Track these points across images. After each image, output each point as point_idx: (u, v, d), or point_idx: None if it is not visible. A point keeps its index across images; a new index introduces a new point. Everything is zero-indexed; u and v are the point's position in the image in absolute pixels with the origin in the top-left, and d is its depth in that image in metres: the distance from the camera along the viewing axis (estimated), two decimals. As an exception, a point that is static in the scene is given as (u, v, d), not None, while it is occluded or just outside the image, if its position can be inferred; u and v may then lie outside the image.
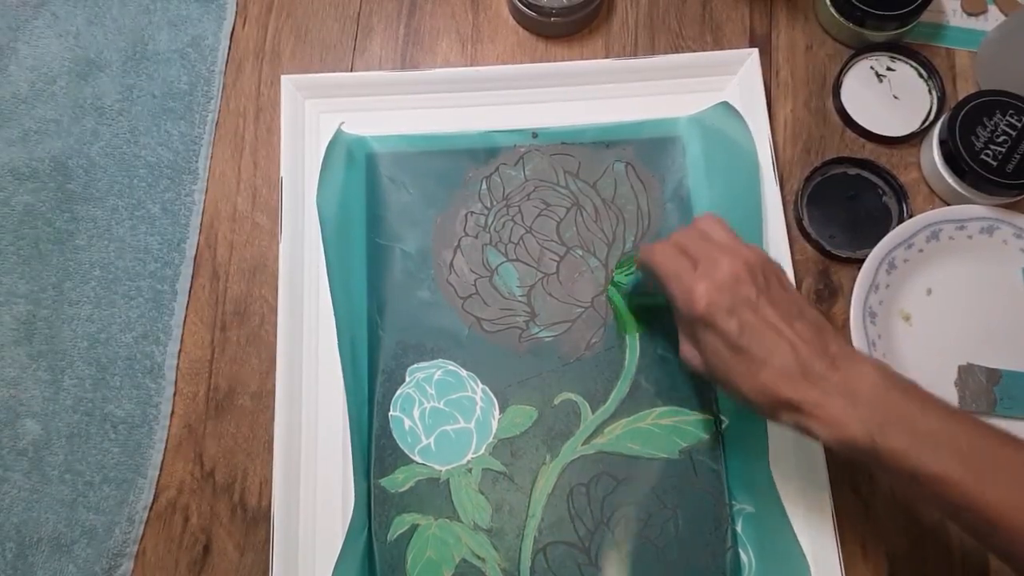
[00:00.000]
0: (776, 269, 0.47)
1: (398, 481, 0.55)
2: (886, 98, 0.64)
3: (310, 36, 0.67)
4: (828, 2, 0.64)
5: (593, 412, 0.56)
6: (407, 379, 0.57)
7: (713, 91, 0.63)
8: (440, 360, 0.57)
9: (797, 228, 0.61)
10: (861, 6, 0.62)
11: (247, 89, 0.65)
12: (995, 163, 0.57)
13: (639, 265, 0.51)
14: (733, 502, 0.54)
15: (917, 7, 0.62)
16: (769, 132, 0.61)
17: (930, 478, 0.39)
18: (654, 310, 0.58)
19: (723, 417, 0.56)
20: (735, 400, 0.45)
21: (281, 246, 0.59)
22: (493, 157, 0.62)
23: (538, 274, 0.59)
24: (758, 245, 0.52)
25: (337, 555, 0.52)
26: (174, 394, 0.58)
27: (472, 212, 0.61)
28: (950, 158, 0.59)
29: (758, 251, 0.47)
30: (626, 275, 0.59)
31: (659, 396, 0.56)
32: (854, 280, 0.58)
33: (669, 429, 0.56)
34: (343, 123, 0.62)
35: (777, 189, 0.60)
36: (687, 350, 0.48)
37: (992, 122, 0.58)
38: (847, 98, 0.63)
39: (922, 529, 0.55)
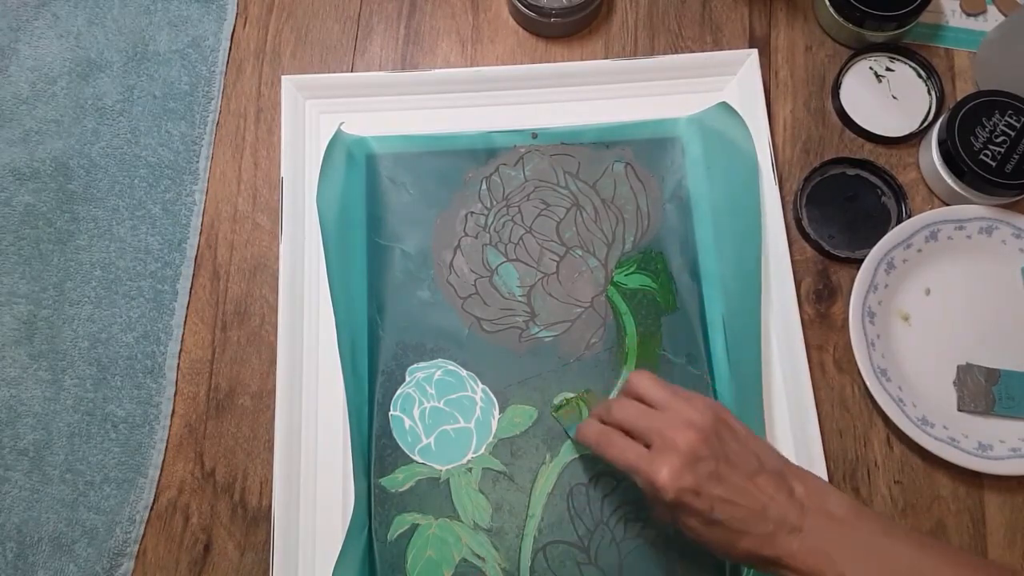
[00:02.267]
0: (722, 415, 0.46)
1: (398, 481, 0.55)
2: (885, 98, 0.64)
3: (310, 37, 0.67)
4: (827, 3, 0.64)
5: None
6: (407, 379, 0.57)
7: (712, 91, 0.63)
8: (440, 360, 0.58)
9: (796, 228, 0.61)
10: (860, 7, 0.62)
11: (247, 90, 0.65)
12: (994, 163, 0.57)
13: (583, 443, 0.50)
14: (732, 502, 0.54)
15: (916, 7, 0.62)
16: (768, 132, 0.61)
17: None
18: (648, 307, 0.58)
19: (722, 417, 0.56)
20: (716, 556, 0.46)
21: (281, 246, 0.59)
22: (493, 157, 0.62)
23: (538, 274, 0.60)
24: (705, 382, 0.54)
25: (337, 555, 0.52)
26: (175, 394, 0.58)
27: (472, 212, 0.61)
28: (949, 158, 0.59)
29: (700, 405, 0.46)
30: (626, 274, 0.59)
31: (659, 396, 0.56)
32: (853, 280, 0.58)
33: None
34: (343, 123, 0.62)
35: (776, 189, 0.60)
36: (661, 517, 0.47)
37: (991, 122, 0.58)
38: (846, 98, 0.64)
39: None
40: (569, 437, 0.55)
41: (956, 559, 0.43)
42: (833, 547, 0.42)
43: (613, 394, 0.57)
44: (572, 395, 0.56)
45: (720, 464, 0.44)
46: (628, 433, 0.47)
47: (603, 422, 0.49)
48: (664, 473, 0.43)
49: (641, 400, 0.48)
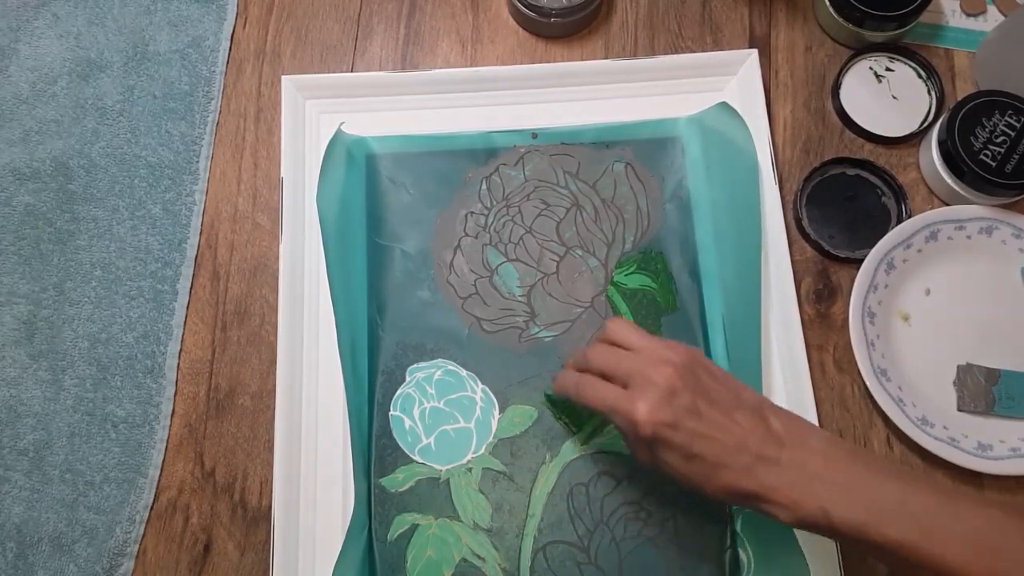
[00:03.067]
0: (698, 356, 0.46)
1: (398, 481, 0.55)
2: (885, 98, 0.64)
3: (310, 37, 0.67)
4: (827, 3, 0.64)
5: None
6: (407, 379, 0.57)
7: (712, 91, 0.63)
8: (440, 360, 0.58)
9: (796, 228, 0.61)
10: (860, 7, 0.62)
11: (248, 90, 0.65)
12: (994, 163, 0.57)
13: (560, 394, 0.51)
14: (732, 502, 0.55)
15: (916, 8, 0.62)
16: (768, 132, 0.61)
17: (890, 545, 0.40)
18: (648, 307, 0.58)
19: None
20: (695, 494, 0.46)
21: (281, 246, 0.59)
22: (493, 157, 0.62)
23: (538, 274, 0.60)
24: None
25: (337, 555, 0.52)
26: (175, 394, 0.58)
27: (472, 212, 0.61)
28: (949, 158, 0.59)
29: (675, 346, 0.46)
30: (626, 274, 0.59)
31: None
32: (853, 280, 0.58)
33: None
34: (343, 123, 0.62)
35: (776, 189, 0.60)
36: (641, 457, 0.47)
37: (991, 122, 0.58)
38: (846, 98, 0.64)
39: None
40: (547, 398, 0.56)
41: (944, 493, 0.42)
42: (813, 480, 0.42)
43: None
44: None
45: (698, 399, 0.44)
46: (605, 378, 0.47)
47: (580, 371, 0.49)
48: (642, 408, 0.44)
49: (617, 345, 0.48)
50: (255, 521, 0.55)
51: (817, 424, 0.55)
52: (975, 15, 0.66)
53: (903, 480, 0.42)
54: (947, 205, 0.61)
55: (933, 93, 0.64)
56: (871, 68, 0.65)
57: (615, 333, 0.49)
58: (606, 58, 0.65)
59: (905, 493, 0.41)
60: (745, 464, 0.43)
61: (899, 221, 0.60)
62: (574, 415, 0.56)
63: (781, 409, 0.46)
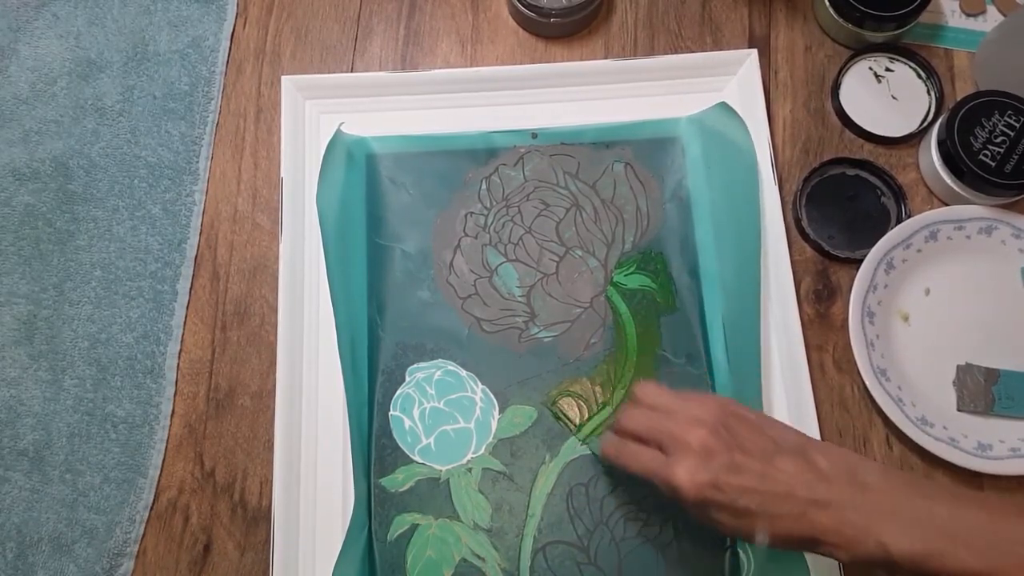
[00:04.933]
0: (729, 408, 0.46)
1: (398, 481, 0.55)
2: (885, 99, 0.64)
3: (310, 37, 0.67)
4: (827, 3, 0.64)
5: (592, 412, 0.56)
6: (407, 379, 0.57)
7: (712, 92, 0.63)
8: (440, 360, 0.58)
9: (796, 228, 0.61)
10: (860, 7, 0.62)
11: (247, 90, 0.65)
12: (993, 163, 0.57)
13: (605, 460, 0.51)
14: (732, 502, 0.55)
15: (916, 8, 0.62)
16: (768, 133, 0.61)
17: (953, 575, 0.40)
18: (648, 307, 0.58)
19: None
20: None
21: (281, 246, 0.59)
22: (493, 157, 0.62)
23: (538, 274, 0.60)
24: (707, 389, 0.54)
25: (337, 555, 0.52)
26: (174, 394, 0.58)
27: (472, 212, 0.61)
28: (948, 158, 0.59)
29: (708, 402, 0.46)
30: (626, 275, 0.59)
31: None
32: (853, 280, 0.58)
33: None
34: (343, 124, 0.62)
35: (776, 189, 0.60)
36: (696, 519, 0.46)
37: (990, 123, 0.58)
38: (846, 99, 0.64)
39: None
40: (597, 458, 0.55)
41: (993, 507, 0.42)
42: (867, 516, 0.41)
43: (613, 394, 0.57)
44: (568, 392, 0.56)
45: (735, 454, 0.43)
46: (641, 441, 0.47)
47: (616, 433, 0.49)
48: (680, 474, 0.43)
49: (648, 408, 0.48)
50: (255, 521, 0.55)
51: (817, 429, 0.55)
52: (975, 15, 0.66)
53: (961, 504, 0.42)
54: (947, 205, 0.61)
55: (933, 93, 0.64)
56: (871, 68, 0.65)
57: (644, 395, 0.49)
58: (606, 58, 0.65)
59: (964, 519, 0.41)
60: (797, 511, 0.42)
61: (899, 221, 0.60)
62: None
63: (825, 445, 0.45)
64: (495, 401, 0.57)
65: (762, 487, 0.43)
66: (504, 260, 0.60)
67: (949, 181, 0.59)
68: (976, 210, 0.59)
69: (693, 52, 0.65)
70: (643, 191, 0.62)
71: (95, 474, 0.56)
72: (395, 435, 0.56)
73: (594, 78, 0.64)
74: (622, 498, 0.54)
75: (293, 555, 0.53)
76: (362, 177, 0.62)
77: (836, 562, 0.52)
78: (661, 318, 0.58)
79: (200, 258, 0.61)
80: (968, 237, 0.59)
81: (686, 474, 0.43)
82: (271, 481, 0.54)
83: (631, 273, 0.59)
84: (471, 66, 0.65)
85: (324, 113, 0.63)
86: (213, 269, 0.61)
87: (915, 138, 0.63)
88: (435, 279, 0.59)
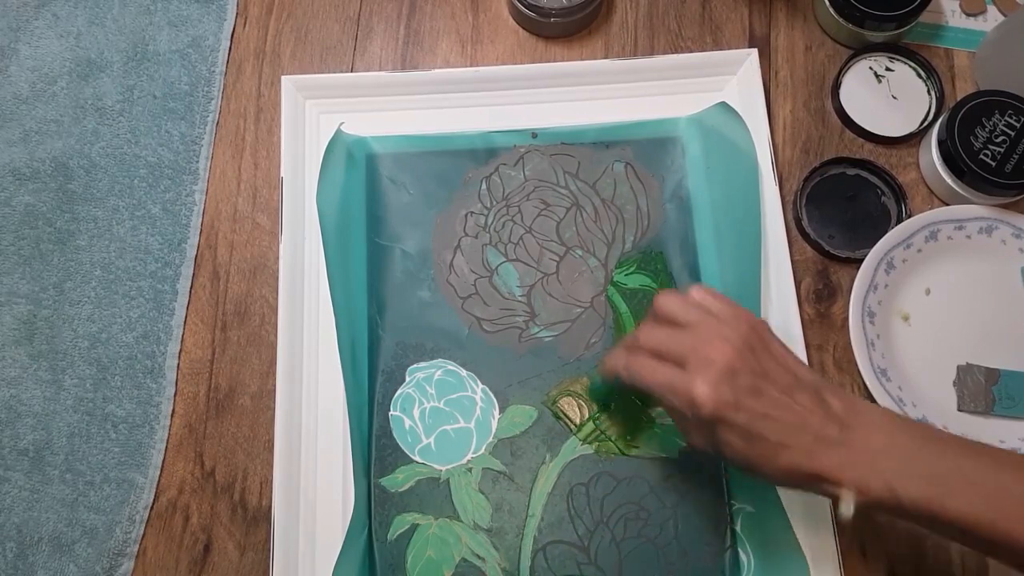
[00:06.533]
0: (759, 329, 0.45)
1: (398, 481, 0.55)
2: (885, 98, 0.64)
3: (310, 37, 0.67)
4: (827, 3, 0.64)
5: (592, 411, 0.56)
6: (407, 379, 0.57)
7: (712, 91, 0.63)
8: (440, 360, 0.58)
9: (796, 228, 0.61)
10: (860, 7, 0.62)
11: (247, 90, 0.65)
12: (994, 163, 0.57)
13: (608, 376, 0.48)
14: (732, 501, 0.55)
15: (916, 8, 0.62)
16: (768, 132, 0.61)
17: (959, 521, 0.40)
18: (648, 305, 0.58)
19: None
20: (755, 479, 0.45)
21: (281, 246, 0.59)
22: (493, 157, 0.62)
23: (538, 274, 0.60)
24: (741, 302, 0.48)
25: (337, 555, 0.52)
26: (175, 394, 0.58)
27: (472, 212, 0.61)
28: (949, 158, 0.59)
29: (737, 317, 0.45)
30: (626, 274, 0.59)
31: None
32: (853, 280, 0.58)
33: (669, 429, 0.56)
34: (343, 123, 0.62)
35: (776, 189, 0.60)
36: (696, 441, 0.46)
37: (991, 122, 0.58)
38: (846, 98, 0.64)
39: (921, 530, 0.55)
40: (590, 391, 0.55)
41: (1000, 456, 0.42)
42: (876, 458, 0.41)
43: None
44: (568, 392, 0.56)
45: (757, 378, 0.43)
46: (660, 354, 0.45)
47: (628, 351, 0.47)
48: (701, 388, 0.42)
49: (670, 322, 0.46)
50: (255, 521, 0.55)
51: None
52: (975, 15, 0.66)
53: (970, 453, 0.41)
54: (947, 205, 0.61)
55: (933, 93, 0.64)
56: (871, 68, 0.65)
57: (667, 308, 0.46)
58: (606, 58, 0.65)
59: (973, 466, 0.41)
60: (807, 445, 0.42)
61: (899, 221, 0.60)
62: (622, 405, 0.55)
63: (839, 389, 0.45)
64: (495, 401, 0.57)
65: (779, 415, 0.42)
66: (504, 260, 0.60)
67: (949, 181, 0.59)
68: (976, 210, 0.59)
69: (693, 52, 0.65)
70: (643, 191, 0.62)
71: (95, 474, 0.56)
72: (395, 435, 0.56)
73: (594, 78, 0.63)
74: (622, 498, 0.54)
75: (293, 555, 0.53)
76: (362, 177, 0.62)
77: (836, 562, 0.52)
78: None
79: (200, 258, 0.61)
80: (968, 237, 0.59)
81: (707, 389, 0.42)
82: (271, 481, 0.54)
83: (631, 273, 0.59)
84: (471, 66, 0.65)
85: (324, 113, 0.63)
86: (213, 269, 0.61)
87: (915, 138, 0.63)
88: (435, 279, 0.59)
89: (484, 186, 0.62)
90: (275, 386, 0.56)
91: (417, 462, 0.55)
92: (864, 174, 0.62)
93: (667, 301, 0.47)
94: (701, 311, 0.45)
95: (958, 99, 0.60)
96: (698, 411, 0.42)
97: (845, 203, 0.62)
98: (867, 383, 0.55)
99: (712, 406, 0.42)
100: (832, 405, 0.43)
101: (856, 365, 0.56)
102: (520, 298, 0.59)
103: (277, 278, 0.59)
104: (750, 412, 0.42)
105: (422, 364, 0.57)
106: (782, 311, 0.58)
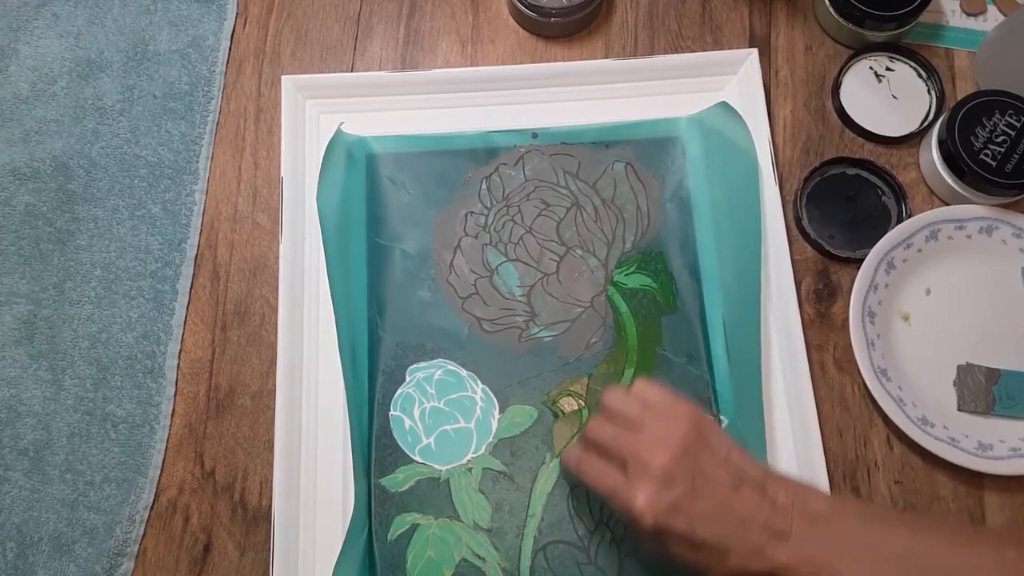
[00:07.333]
0: (699, 426, 0.44)
1: (398, 481, 0.55)
2: (885, 98, 0.64)
3: (310, 37, 0.67)
4: (827, 3, 0.64)
5: (592, 412, 0.56)
6: (407, 379, 0.57)
7: (712, 91, 0.63)
8: (440, 360, 0.58)
9: (796, 228, 0.61)
10: (860, 6, 0.62)
11: (247, 89, 0.65)
12: (994, 163, 0.57)
13: (565, 471, 0.50)
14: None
15: (916, 7, 0.62)
16: (768, 132, 0.61)
17: None
18: (648, 307, 0.58)
19: (722, 416, 0.56)
20: None
21: (281, 246, 0.59)
22: (493, 157, 0.62)
23: (538, 274, 0.60)
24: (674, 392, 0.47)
25: (337, 555, 0.52)
26: (175, 394, 0.58)
27: (472, 212, 0.61)
28: (949, 158, 0.59)
29: (676, 415, 0.45)
30: (626, 274, 0.59)
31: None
32: (853, 280, 0.58)
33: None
34: (343, 123, 0.62)
35: (776, 189, 0.60)
36: (650, 547, 0.45)
37: (991, 122, 0.58)
38: (846, 98, 0.64)
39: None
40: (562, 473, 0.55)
41: (950, 536, 0.42)
42: (824, 549, 0.41)
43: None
44: (568, 392, 0.56)
45: (696, 480, 0.43)
46: (606, 454, 0.46)
47: (582, 444, 0.48)
48: (640, 499, 0.42)
49: (616, 417, 0.47)
50: (255, 521, 0.55)
51: (818, 429, 0.55)
52: (975, 15, 0.66)
53: (911, 531, 0.42)
54: (947, 205, 0.61)
55: (933, 93, 0.64)
56: (871, 68, 0.65)
57: (611, 404, 0.47)
58: (606, 58, 0.65)
59: (914, 545, 0.41)
60: (754, 545, 0.42)
61: (899, 221, 0.60)
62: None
63: (785, 478, 0.45)
64: (495, 401, 0.57)
65: (720, 517, 0.42)
66: (504, 260, 0.60)
67: (950, 181, 0.59)
68: (977, 210, 0.59)
69: (693, 52, 0.65)
70: (643, 191, 0.62)
71: (95, 474, 0.56)
72: (395, 435, 0.56)
73: (594, 78, 0.63)
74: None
75: (293, 555, 0.53)
76: (362, 177, 0.62)
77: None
78: (662, 318, 0.58)
79: (200, 258, 0.61)
80: (969, 237, 0.59)
81: (645, 499, 0.42)
82: (271, 481, 0.54)
83: (631, 273, 0.59)
84: (471, 66, 0.65)
85: (324, 113, 0.63)
86: (213, 269, 0.61)
87: (916, 138, 0.63)
88: (435, 279, 0.59)
89: (484, 186, 0.62)
90: (275, 386, 0.56)
91: (417, 462, 0.55)
92: (864, 174, 0.62)
93: (611, 397, 0.47)
94: (643, 406, 0.46)
95: (958, 99, 0.60)
96: (639, 522, 0.43)
97: (845, 203, 0.62)
98: (867, 383, 0.55)
99: (652, 517, 0.42)
100: (778, 499, 0.43)
101: (856, 365, 0.56)
102: (520, 298, 0.59)
103: (277, 278, 0.59)
104: (689, 515, 0.42)
105: (422, 364, 0.57)
106: (782, 311, 0.58)
